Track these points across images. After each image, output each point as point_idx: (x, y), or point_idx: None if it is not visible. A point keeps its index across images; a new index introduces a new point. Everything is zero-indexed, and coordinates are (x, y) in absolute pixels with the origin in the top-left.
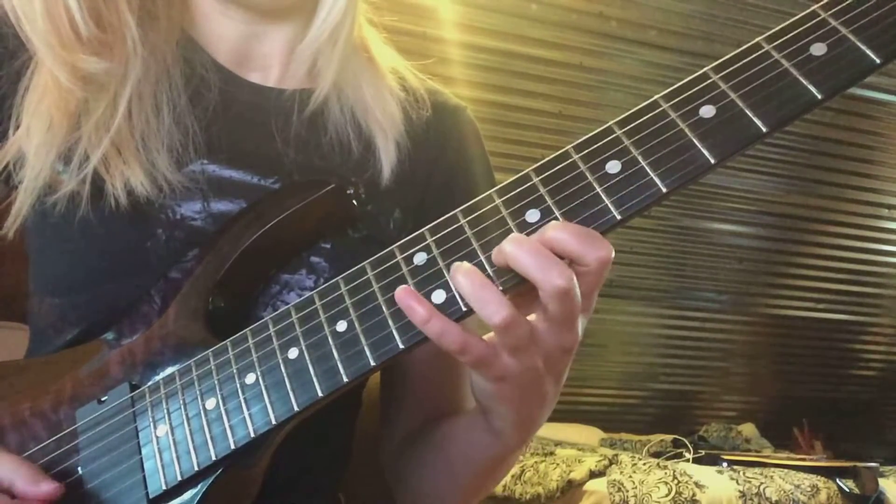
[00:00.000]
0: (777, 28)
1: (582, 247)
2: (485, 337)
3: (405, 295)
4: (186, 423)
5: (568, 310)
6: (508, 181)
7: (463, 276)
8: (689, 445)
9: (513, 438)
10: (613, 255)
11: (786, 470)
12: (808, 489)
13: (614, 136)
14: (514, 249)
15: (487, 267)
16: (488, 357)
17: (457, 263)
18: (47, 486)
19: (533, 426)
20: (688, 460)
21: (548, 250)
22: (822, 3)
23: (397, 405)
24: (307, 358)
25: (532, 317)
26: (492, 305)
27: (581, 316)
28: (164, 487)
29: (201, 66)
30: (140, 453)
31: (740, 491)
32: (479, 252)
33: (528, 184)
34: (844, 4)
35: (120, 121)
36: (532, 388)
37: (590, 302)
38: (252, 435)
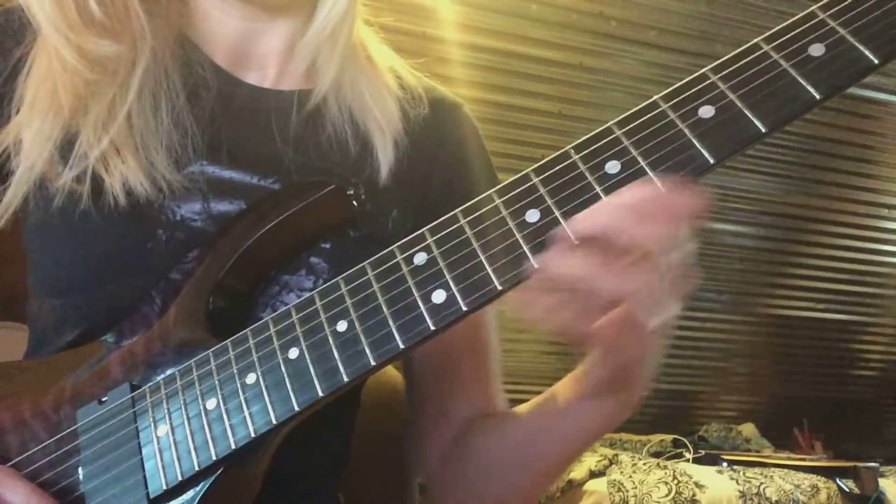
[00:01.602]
0: (776, 28)
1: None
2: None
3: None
4: (187, 423)
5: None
6: (508, 181)
7: (568, 259)
8: (689, 445)
9: (616, 417)
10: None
11: (786, 470)
12: (808, 489)
13: (614, 136)
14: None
15: (488, 267)
16: (617, 339)
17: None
18: None
19: (635, 401)
20: (688, 460)
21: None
22: (820, 3)
23: (432, 420)
24: (307, 358)
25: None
26: (618, 278)
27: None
28: (164, 487)
29: (199, 66)
30: (140, 453)
31: (740, 491)
32: (479, 252)
33: (528, 184)
34: (843, 5)
35: (120, 119)
36: (643, 368)
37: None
38: (252, 435)
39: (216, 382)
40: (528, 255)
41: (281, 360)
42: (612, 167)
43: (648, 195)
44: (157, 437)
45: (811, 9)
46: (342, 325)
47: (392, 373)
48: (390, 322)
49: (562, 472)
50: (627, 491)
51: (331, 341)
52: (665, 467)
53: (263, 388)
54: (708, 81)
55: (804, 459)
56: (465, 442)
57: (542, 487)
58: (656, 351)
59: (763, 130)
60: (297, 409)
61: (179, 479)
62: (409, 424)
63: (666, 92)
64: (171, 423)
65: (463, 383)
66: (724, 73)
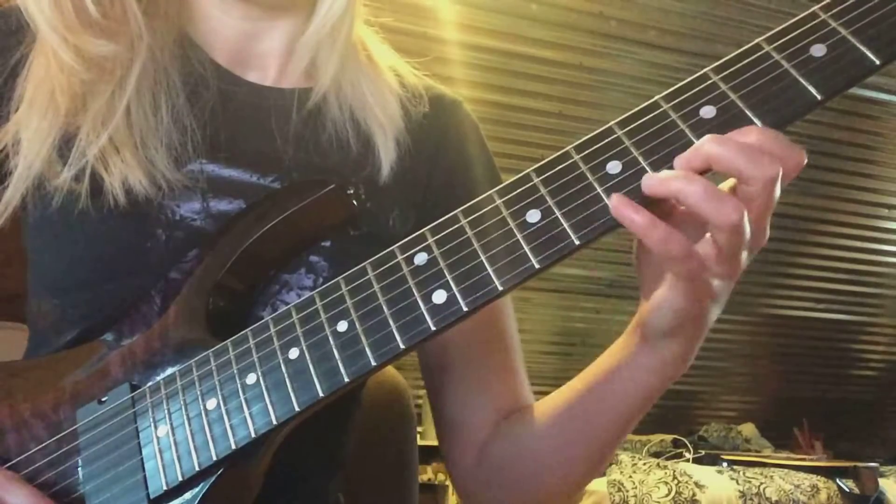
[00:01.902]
0: (777, 29)
1: (786, 151)
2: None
3: (621, 203)
4: (187, 424)
5: (770, 204)
6: (509, 181)
7: (685, 182)
8: (689, 445)
9: (674, 366)
10: (803, 159)
11: (786, 470)
12: (808, 489)
13: (615, 136)
14: (717, 147)
15: (489, 267)
16: (701, 268)
17: (654, 175)
18: None
19: (690, 358)
20: (688, 460)
21: (748, 146)
22: (822, 4)
23: (459, 424)
24: (308, 358)
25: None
26: (729, 203)
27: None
28: (164, 488)
29: (199, 65)
30: (141, 454)
31: (740, 491)
32: (479, 252)
33: (529, 184)
34: (845, 6)
35: (119, 117)
36: (722, 297)
37: (761, 234)
38: (253, 435)
39: (216, 382)
40: (529, 255)
41: (281, 361)
42: (614, 167)
43: (762, 138)
44: (158, 438)
45: (813, 9)
46: (343, 326)
47: (392, 373)
48: (391, 322)
49: (619, 440)
50: (627, 491)
51: (331, 341)
52: (665, 467)
53: (264, 388)
54: (709, 82)
55: (804, 459)
56: (502, 440)
57: (599, 466)
58: (722, 301)
59: None
60: (297, 409)
61: (180, 479)
62: (438, 429)
63: (667, 92)
64: (171, 424)
65: (489, 380)
66: (725, 73)
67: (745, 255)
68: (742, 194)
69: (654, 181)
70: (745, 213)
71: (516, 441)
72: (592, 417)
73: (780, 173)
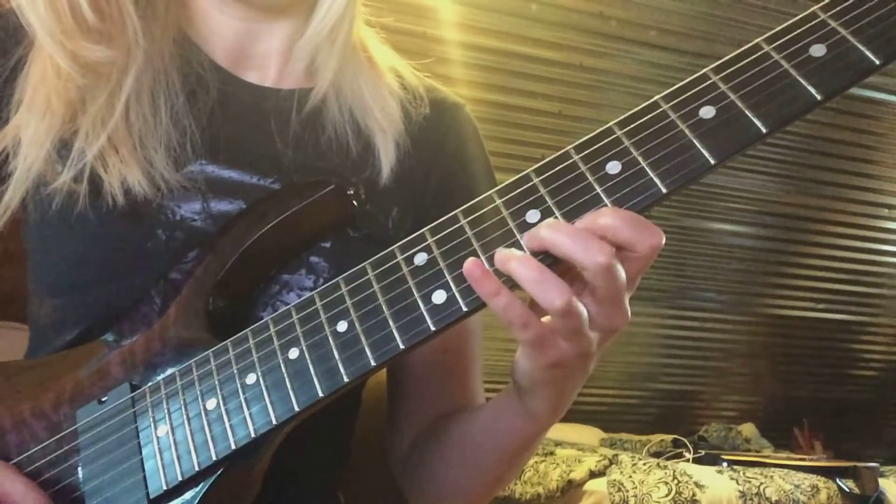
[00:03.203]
0: (777, 29)
1: (635, 234)
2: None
3: (474, 267)
4: (187, 424)
5: (615, 287)
6: (509, 181)
7: (518, 263)
8: (689, 445)
9: (548, 419)
10: (664, 241)
11: (786, 470)
12: (808, 489)
13: (614, 136)
14: (552, 233)
15: (488, 267)
16: (546, 339)
17: (503, 251)
18: None
19: (567, 404)
20: (688, 460)
21: (585, 230)
22: (821, 4)
23: (405, 409)
24: (308, 358)
25: (583, 298)
26: (553, 289)
27: (626, 291)
28: (164, 487)
29: (199, 66)
30: (140, 453)
31: (740, 491)
32: (479, 252)
33: (529, 184)
34: (844, 6)
35: (117, 118)
36: (579, 370)
37: (634, 284)
38: (253, 435)
39: (216, 382)
40: (527, 253)
41: (281, 361)
42: (613, 167)
43: (602, 224)
44: (157, 437)
45: (812, 9)
46: (342, 326)
47: None
48: (390, 322)
49: (508, 473)
50: (627, 491)
51: (331, 341)
52: (665, 467)
53: (263, 388)
54: (709, 82)
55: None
56: (435, 431)
57: (488, 489)
58: (584, 364)
59: (764, 131)
60: (297, 409)
61: (179, 479)
62: (388, 411)
63: (667, 92)
64: (171, 423)
65: (442, 377)
66: (724, 73)
67: (593, 334)
68: (586, 277)
69: (500, 256)
70: (572, 299)
71: (431, 448)
72: (479, 449)
73: (613, 262)
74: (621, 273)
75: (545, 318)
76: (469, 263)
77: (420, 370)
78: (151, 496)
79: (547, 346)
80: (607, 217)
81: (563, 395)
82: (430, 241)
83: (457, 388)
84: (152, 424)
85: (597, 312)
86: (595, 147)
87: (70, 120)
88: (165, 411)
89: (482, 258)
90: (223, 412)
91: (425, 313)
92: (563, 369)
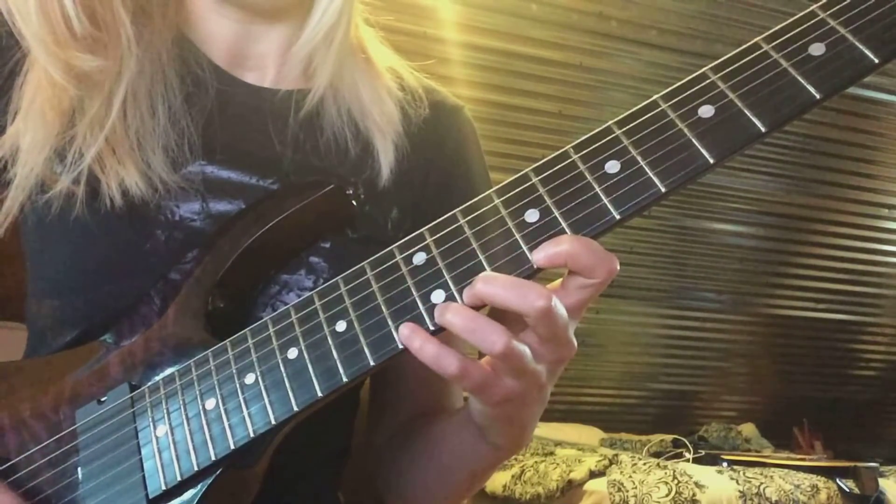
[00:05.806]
0: (776, 28)
1: (593, 260)
2: (482, 361)
3: (402, 328)
4: (186, 424)
5: (557, 326)
6: (507, 181)
7: (453, 315)
8: (689, 445)
9: (508, 448)
10: (618, 267)
11: (786, 470)
12: (808, 489)
13: (613, 135)
14: (487, 287)
15: (487, 267)
16: (489, 382)
17: (441, 305)
18: None
19: (529, 432)
20: (688, 460)
21: (518, 280)
22: (820, 3)
23: (384, 406)
24: (306, 358)
25: (526, 337)
26: (491, 335)
27: (571, 322)
28: (163, 487)
29: (197, 66)
30: (140, 453)
31: (740, 491)
32: (478, 252)
33: (528, 184)
34: (843, 4)
35: (114, 120)
36: (533, 401)
37: (581, 313)
38: (252, 435)
39: (215, 382)
40: (528, 255)
41: (280, 361)
42: (612, 167)
43: (562, 251)
44: (157, 438)
45: (811, 8)
46: (341, 325)
47: None
48: (389, 322)
49: (466, 487)
50: (627, 491)
51: (330, 341)
52: (665, 467)
53: (262, 388)
54: (708, 81)
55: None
56: (410, 434)
57: (453, 499)
58: (538, 394)
59: (763, 130)
60: (296, 409)
61: (178, 479)
62: (370, 400)
63: (666, 91)
64: (170, 424)
65: (420, 376)
66: (723, 72)
67: (540, 367)
68: (528, 322)
69: (437, 311)
70: (510, 342)
71: (405, 449)
72: (446, 467)
73: (552, 305)
74: (562, 312)
75: (485, 359)
76: (404, 328)
77: (401, 368)
78: (150, 496)
79: (492, 387)
80: (566, 244)
81: (523, 426)
82: (428, 240)
83: (437, 387)
84: (151, 424)
85: (541, 350)
86: (594, 146)
87: (67, 126)
88: (164, 411)
89: (482, 258)
90: (222, 412)
91: (424, 313)
92: (514, 403)
